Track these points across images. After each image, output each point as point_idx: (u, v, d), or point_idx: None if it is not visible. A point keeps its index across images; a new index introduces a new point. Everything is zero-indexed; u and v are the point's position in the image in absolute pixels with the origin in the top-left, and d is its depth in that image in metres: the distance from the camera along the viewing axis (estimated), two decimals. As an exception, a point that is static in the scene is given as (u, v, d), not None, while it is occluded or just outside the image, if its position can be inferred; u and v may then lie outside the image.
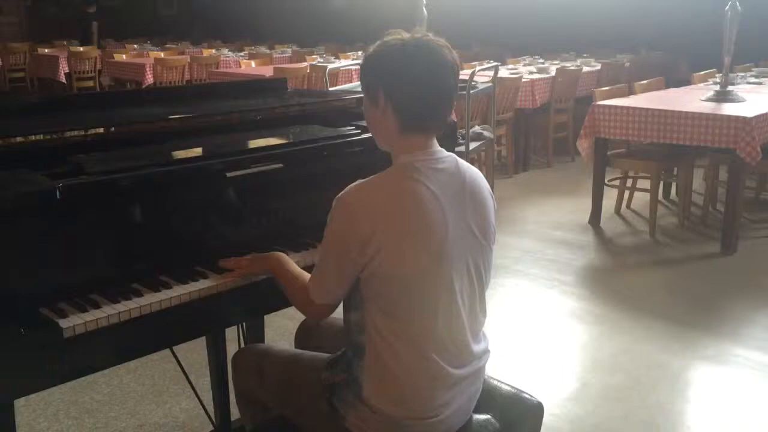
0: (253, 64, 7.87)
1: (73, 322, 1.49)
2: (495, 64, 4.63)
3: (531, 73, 6.38)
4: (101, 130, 1.94)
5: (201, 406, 2.29)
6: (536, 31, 8.78)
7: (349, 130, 2.21)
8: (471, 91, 4.01)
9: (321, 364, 1.62)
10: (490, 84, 4.37)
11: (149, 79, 8.31)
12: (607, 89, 4.76)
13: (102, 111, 2.12)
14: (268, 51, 9.86)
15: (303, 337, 1.94)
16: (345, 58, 8.28)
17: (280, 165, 1.97)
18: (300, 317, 2.03)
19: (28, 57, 10.97)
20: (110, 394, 2.72)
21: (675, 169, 4.90)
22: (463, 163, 1.56)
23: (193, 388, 2.27)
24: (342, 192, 1.46)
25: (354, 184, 1.47)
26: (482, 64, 5.33)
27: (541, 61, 7.20)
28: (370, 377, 1.48)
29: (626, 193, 5.00)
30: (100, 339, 1.54)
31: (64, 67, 9.80)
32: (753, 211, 4.87)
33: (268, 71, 6.78)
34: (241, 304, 1.77)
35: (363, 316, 1.49)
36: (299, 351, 1.78)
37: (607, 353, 3.05)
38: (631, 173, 4.86)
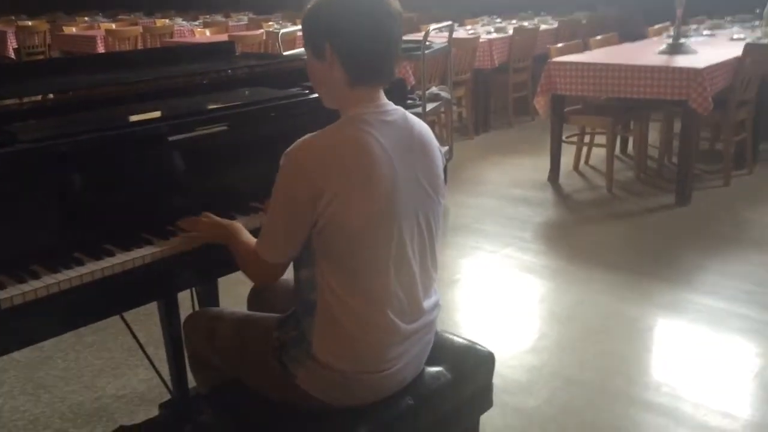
0: (207, 32, 7.70)
1: (11, 293, 1.46)
2: (449, 23, 4.58)
3: (489, 33, 6.35)
4: (39, 97, 1.89)
5: (158, 376, 2.28)
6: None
7: (298, 91, 2.19)
8: (426, 52, 3.97)
9: (272, 324, 1.61)
10: (445, 44, 4.33)
11: (101, 50, 8.08)
12: (562, 46, 4.76)
13: (43, 78, 2.06)
14: (223, 19, 9.65)
15: (255, 299, 1.93)
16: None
17: (225, 127, 1.94)
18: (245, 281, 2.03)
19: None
20: (66, 369, 2.69)
21: (631, 123, 4.94)
22: (412, 117, 1.55)
23: (148, 357, 2.25)
24: (290, 147, 1.44)
25: (302, 138, 1.45)
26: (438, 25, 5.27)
27: (499, 20, 7.18)
28: (320, 333, 1.48)
29: (584, 150, 5.04)
30: (42, 309, 1.52)
31: (12, 42, 9.49)
32: (708, 162, 4.95)
33: (223, 39, 6.65)
34: (189, 269, 1.75)
35: (314, 273, 1.48)
36: (251, 312, 1.77)
37: (564, 305, 3.10)
38: (588, 129, 4.89)
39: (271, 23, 8.18)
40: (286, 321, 1.58)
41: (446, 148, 4.58)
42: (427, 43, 4.20)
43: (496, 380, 1.79)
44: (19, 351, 1.62)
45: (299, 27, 5.51)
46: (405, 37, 5.13)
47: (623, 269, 3.42)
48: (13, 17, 11.34)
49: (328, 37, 1.44)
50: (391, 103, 1.51)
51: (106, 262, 1.61)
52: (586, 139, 4.98)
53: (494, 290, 3.28)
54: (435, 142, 1.57)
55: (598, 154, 4.96)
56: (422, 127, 1.55)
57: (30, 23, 9.90)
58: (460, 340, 1.78)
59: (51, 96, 1.85)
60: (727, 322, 2.89)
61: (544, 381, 2.52)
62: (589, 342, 2.77)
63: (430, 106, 4.22)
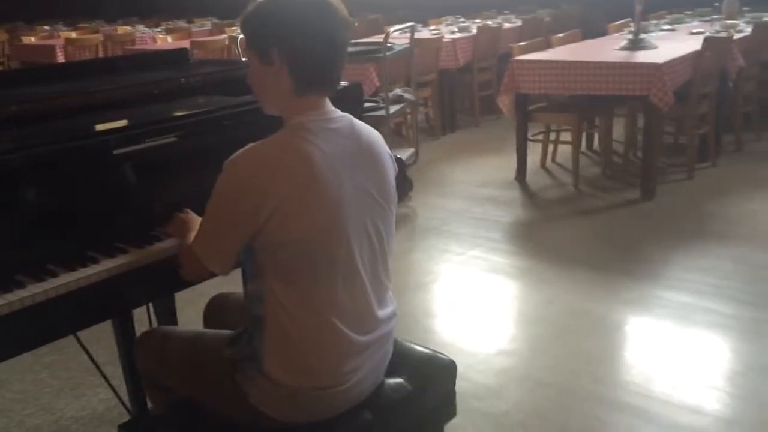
0: (169, 39, 7.59)
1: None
2: (410, 24, 4.55)
3: (452, 32, 6.34)
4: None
5: (116, 396, 2.21)
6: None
7: (253, 97, 2.13)
8: (388, 54, 3.93)
9: (223, 342, 1.56)
10: (408, 45, 4.30)
11: (60, 59, 7.92)
12: (525, 44, 4.76)
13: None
14: (186, 25, 9.53)
15: (210, 316, 1.88)
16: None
17: (174, 138, 1.89)
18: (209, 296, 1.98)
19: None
20: (23, 391, 2.60)
21: (596, 119, 4.96)
22: (360, 124, 1.51)
23: (105, 377, 2.18)
24: (232, 155, 1.40)
25: (245, 147, 1.40)
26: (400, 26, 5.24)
27: (462, 20, 7.17)
28: (271, 350, 1.43)
29: (551, 147, 5.05)
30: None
31: (-31, 54, 9.27)
32: (672, 156, 4.98)
33: (185, 45, 6.55)
34: (139, 285, 1.69)
35: (261, 286, 1.43)
36: (202, 330, 1.72)
37: (533, 306, 3.09)
38: (553, 127, 4.90)
39: (234, 28, 8.08)
40: (238, 338, 1.53)
41: (412, 150, 4.56)
42: (390, 44, 4.16)
43: (465, 385, 1.77)
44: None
45: None
46: (368, 39, 5.11)
47: (591, 266, 3.41)
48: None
49: (277, 41, 1.39)
50: (337, 110, 1.47)
51: (49, 284, 1.54)
52: (552, 136, 4.98)
53: (463, 293, 3.26)
54: (384, 150, 1.53)
55: (565, 151, 4.97)
56: (371, 134, 1.51)
57: (-13, 34, 9.69)
58: (420, 350, 1.74)
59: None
60: (693, 316, 2.89)
61: (513, 384, 2.50)
62: (558, 342, 2.76)
63: (394, 108, 4.18)
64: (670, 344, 2.71)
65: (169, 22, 10.00)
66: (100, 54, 8.00)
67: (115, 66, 2.37)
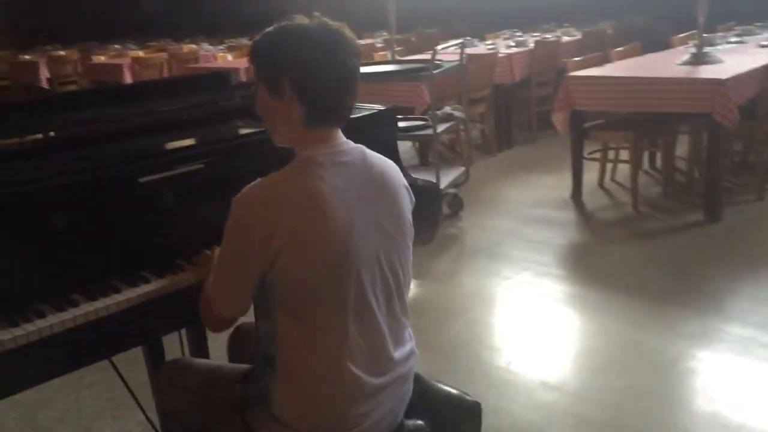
0: (229, 57, 7.74)
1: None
2: (460, 41, 4.47)
3: (509, 47, 6.22)
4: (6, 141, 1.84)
5: (147, 421, 2.21)
6: (517, 4, 8.59)
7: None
8: (436, 72, 3.87)
9: (237, 378, 1.52)
10: (458, 62, 4.23)
11: (127, 79, 8.19)
12: (581, 59, 4.61)
13: (15, 120, 2.01)
14: (248, 42, 9.71)
15: (234, 345, 1.85)
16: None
17: (200, 165, 1.88)
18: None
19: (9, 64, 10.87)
20: (65, 411, 2.64)
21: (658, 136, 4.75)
22: (373, 156, 1.45)
23: (138, 402, 2.18)
24: (240, 192, 1.36)
25: (253, 183, 1.37)
26: (447, 42, 5.17)
27: (519, 34, 7.03)
28: (281, 391, 1.38)
29: (609, 165, 4.86)
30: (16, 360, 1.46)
31: (45, 73, 9.69)
32: (740, 175, 4.72)
33: (243, 63, 6.66)
34: (157, 317, 1.68)
35: (273, 325, 1.39)
36: (219, 364, 1.68)
37: (581, 335, 2.94)
38: (611, 144, 4.72)
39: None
40: (250, 375, 1.49)
41: (462, 169, 4.46)
42: (438, 62, 4.09)
43: (505, 420, 1.66)
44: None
45: None
46: (417, 56, 5.05)
47: (647, 295, 3.24)
48: (48, 47, 11.63)
49: (287, 73, 1.35)
50: (349, 142, 1.42)
51: (69, 314, 1.55)
52: (611, 154, 4.80)
53: (507, 320, 3.14)
54: (399, 181, 1.47)
55: (625, 169, 4.77)
56: (384, 166, 1.45)
57: (63, 53, 10.12)
58: (444, 389, 1.66)
59: (19, 139, 1.79)
60: (757, 352, 2.69)
61: (556, 420, 2.37)
62: (607, 377, 2.61)
63: (442, 127, 4.10)
64: (729, 383, 2.53)
65: (233, 40, 10.21)
66: (165, 72, 8.24)
67: (151, 91, 2.38)
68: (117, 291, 1.65)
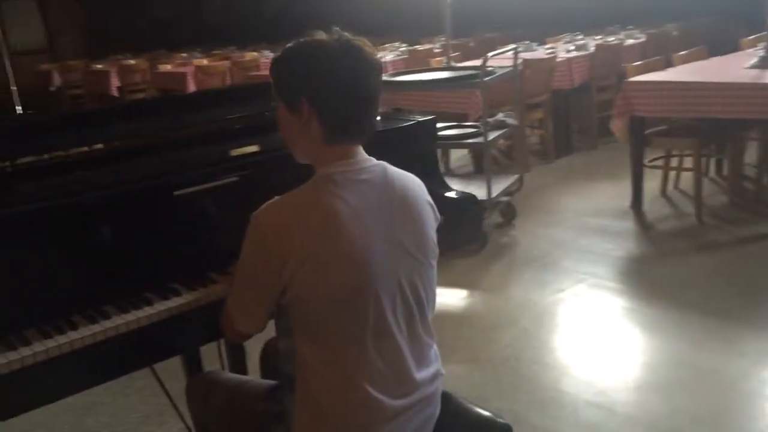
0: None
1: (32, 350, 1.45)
2: (513, 47, 4.38)
3: (568, 51, 6.07)
4: (46, 156, 1.88)
5: (188, 430, 2.22)
6: (579, 6, 8.38)
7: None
8: (488, 78, 3.79)
9: (261, 395, 1.51)
10: (510, 68, 4.14)
11: (191, 87, 8.41)
12: (641, 63, 4.44)
13: (56, 134, 2.06)
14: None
15: (266, 358, 1.84)
16: (383, 51, 8.14)
17: (235, 178, 1.88)
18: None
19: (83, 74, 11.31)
20: (113, 414, 2.70)
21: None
22: (394, 172, 1.41)
23: (177, 410, 2.20)
24: (257, 210, 1.35)
25: (270, 200, 1.35)
26: (504, 47, 5.06)
27: (580, 37, 6.85)
28: (300, 412, 1.36)
29: (673, 173, 4.67)
30: (32, 376, 1.49)
31: (115, 81, 10.04)
32: (815, 184, 4.45)
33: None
34: (189, 329, 1.69)
35: (292, 345, 1.37)
36: (247, 379, 1.68)
37: (634, 353, 2.82)
38: (674, 151, 4.53)
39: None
40: (273, 393, 1.48)
41: (516, 176, 4.36)
42: (491, 68, 4.01)
43: None
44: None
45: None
46: (474, 62, 4.97)
47: (708, 311, 3.07)
48: (120, 56, 12.06)
49: (306, 91, 1.34)
50: (371, 159, 1.39)
51: (100, 326, 1.57)
52: (675, 162, 4.61)
53: (557, 335, 3.04)
54: (422, 198, 1.43)
55: (690, 177, 4.57)
56: (407, 182, 1.41)
57: (132, 62, 10.48)
58: (475, 411, 1.60)
59: (47, 156, 1.83)
60: (825, 375, 2.52)
61: (602, 443, 2.28)
62: (659, 397, 2.49)
63: (494, 134, 4.02)
64: (794, 408, 2.37)
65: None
66: (227, 80, 8.41)
67: (195, 102, 2.40)
68: (149, 303, 1.67)
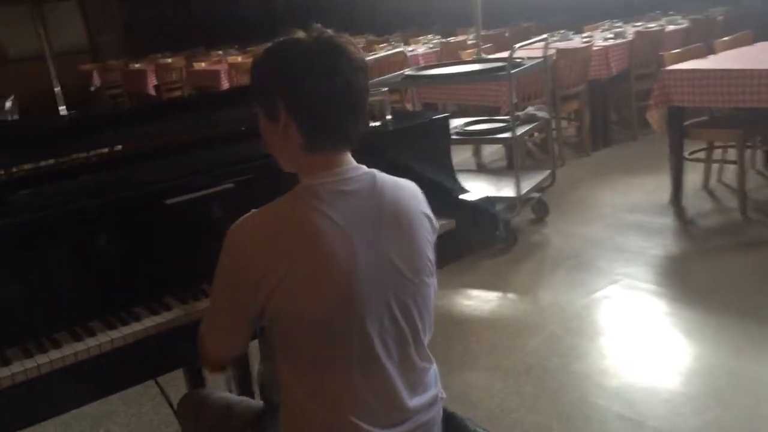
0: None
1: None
2: (543, 37, 4.20)
3: (606, 39, 5.83)
4: (41, 162, 1.82)
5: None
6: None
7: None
8: (513, 71, 3.63)
9: (251, 419, 1.42)
10: (540, 59, 3.96)
11: (224, 84, 8.41)
12: (679, 51, 4.21)
13: (54, 140, 2.01)
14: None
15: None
16: (416, 44, 7.99)
17: (231, 185, 1.80)
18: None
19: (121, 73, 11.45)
20: (127, 424, 2.66)
21: (772, 133, 4.27)
22: (385, 181, 1.30)
23: (179, 421, 2.14)
24: (234, 224, 1.25)
25: (247, 215, 1.25)
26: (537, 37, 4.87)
27: (619, 24, 6.58)
28: (285, 441, 1.26)
29: (715, 166, 4.43)
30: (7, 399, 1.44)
31: (152, 80, 10.13)
32: None
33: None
34: (181, 345, 1.61)
35: (275, 371, 1.27)
36: (235, 400, 1.59)
37: (671, 361, 2.64)
38: (717, 143, 4.29)
39: (383, 45, 8.10)
40: (260, 419, 1.38)
41: (547, 172, 4.19)
42: (519, 59, 3.85)
43: None
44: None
45: (381, 53, 5.31)
46: (499, 55, 4.80)
47: (749, 316, 2.87)
48: (158, 55, 12.17)
49: (282, 95, 1.23)
50: (359, 167, 1.28)
51: (83, 344, 1.51)
52: (717, 154, 4.37)
53: (589, 340, 2.87)
54: (417, 210, 1.31)
55: (733, 170, 4.32)
56: (399, 192, 1.29)
57: (169, 61, 10.55)
58: (479, 433, 1.48)
59: (43, 162, 1.77)
60: None
61: (630, 460, 2.13)
62: (696, 410, 2.32)
63: (523, 129, 3.86)
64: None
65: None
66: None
67: (189, 105, 2.30)
68: (137, 319, 1.60)
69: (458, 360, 2.79)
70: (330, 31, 1.27)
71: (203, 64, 9.52)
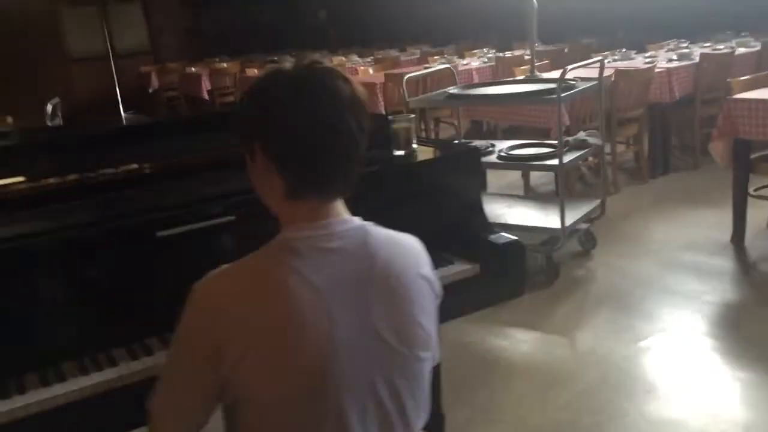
0: (371, 70, 7.63)
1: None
2: (598, 59, 3.93)
3: (670, 60, 5.50)
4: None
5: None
6: (687, 10, 7.67)
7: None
8: (564, 95, 3.39)
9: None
10: (594, 83, 3.70)
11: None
12: (749, 78, 3.88)
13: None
14: (397, 54, 9.59)
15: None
16: (471, 57, 7.79)
17: (232, 218, 1.65)
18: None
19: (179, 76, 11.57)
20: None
21: None
22: (379, 238, 1.12)
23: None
24: (200, 280, 1.09)
25: (215, 270, 1.09)
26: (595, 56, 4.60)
27: (685, 45, 6.22)
28: None
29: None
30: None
31: (206, 85, 10.18)
32: None
33: (381, 78, 6.48)
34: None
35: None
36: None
37: (722, 427, 2.36)
38: (787, 179, 3.94)
39: (437, 57, 7.91)
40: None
41: (597, 201, 3.92)
42: (572, 81, 3.61)
43: None
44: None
45: (425, 71, 5.07)
46: (554, 73, 4.55)
47: (815, 379, 2.57)
48: (216, 59, 12.27)
49: (258, 136, 1.08)
50: (349, 220, 1.11)
51: (49, 392, 1.37)
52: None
53: (630, 396, 2.59)
54: (414, 272, 1.13)
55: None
56: (395, 251, 1.11)
57: (225, 65, 10.61)
58: None
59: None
60: None
61: None
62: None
63: (572, 156, 3.61)
64: None
65: (381, 52, 10.14)
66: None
67: (188, 128, 2.14)
68: (114, 364, 1.47)
69: (481, 408, 2.56)
70: (320, 62, 1.11)
71: (255, 70, 9.51)
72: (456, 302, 1.77)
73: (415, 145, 1.97)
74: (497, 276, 1.80)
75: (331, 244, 1.07)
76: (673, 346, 2.91)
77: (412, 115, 2.02)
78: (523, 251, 1.84)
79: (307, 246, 1.06)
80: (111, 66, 12.85)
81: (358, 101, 1.08)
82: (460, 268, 1.75)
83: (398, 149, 1.95)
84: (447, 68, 4.42)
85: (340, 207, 1.12)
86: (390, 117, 1.96)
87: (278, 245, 1.08)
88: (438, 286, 1.17)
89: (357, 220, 1.12)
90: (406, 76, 3.84)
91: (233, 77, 10.11)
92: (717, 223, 4.15)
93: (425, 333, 1.12)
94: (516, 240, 1.84)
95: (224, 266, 1.09)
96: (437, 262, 1.78)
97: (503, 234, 1.92)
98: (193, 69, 11.12)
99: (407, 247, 1.15)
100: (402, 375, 1.09)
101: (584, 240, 3.93)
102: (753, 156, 3.73)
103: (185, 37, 14.54)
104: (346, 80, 1.08)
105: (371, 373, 1.06)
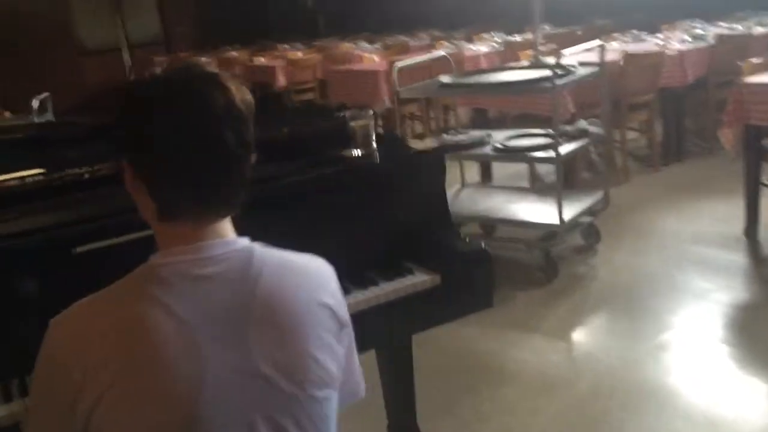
0: (375, 57, 7.44)
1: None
2: (598, 44, 3.70)
3: (683, 41, 5.25)
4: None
5: None
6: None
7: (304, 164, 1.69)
8: (563, 82, 3.19)
9: None
10: (595, 69, 3.49)
11: (281, 81, 8.22)
12: (760, 61, 3.65)
13: None
14: (405, 39, 9.37)
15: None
16: (480, 42, 7.56)
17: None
18: None
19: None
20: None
21: None
22: (266, 262, 0.99)
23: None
24: (58, 316, 0.96)
25: (76, 304, 0.96)
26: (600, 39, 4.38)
27: (699, 26, 5.94)
28: None
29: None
30: None
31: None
32: None
33: (384, 66, 6.29)
34: None
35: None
36: None
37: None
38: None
39: (444, 43, 7.69)
40: None
41: (600, 193, 3.72)
42: (571, 67, 3.41)
43: None
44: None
45: (417, 59, 4.79)
46: (552, 59, 4.33)
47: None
48: (228, 48, 12.06)
49: (127, 152, 0.97)
50: (231, 242, 0.98)
51: None
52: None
53: (622, 410, 2.42)
54: (310, 299, 1.00)
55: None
56: (285, 278, 0.99)
57: (235, 54, 10.48)
58: None
59: None
60: None
61: None
62: None
63: (570, 147, 3.41)
64: None
65: (391, 38, 9.92)
66: (317, 74, 8.13)
67: None
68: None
69: (465, 419, 2.41)
70: (201, 67, 0.97)
71: (263, 60, 9.35)
72: (408, 318, 1.62)
73: (374, 145, 1.81)
74: (459, 288, 1.64)
75: (204, 270, 0.94)
76: (677, 350, 2.73)
77: (371, 111, 1.85)
78: (488, 260, 1.67)
79: (175, 273, 0.94)
80: (124, 57, 12.83)
81: (238, 112, 0.94)
82: (415, 280, 1.60)
83: (356, 148, 1.79)
84: (443, 56, 4.21)
85: (224, 227, 0.99)
86: (345, 113, 1.80)
87: (142, 273, 0.96)
88: (343, 314, 1.03)
89: (243, 242, 0.99)
90: (398, 64, 3.66)
91: (243, 66, 9.98)
92: (729, 214, 3.92)
93: (322, 369, 0.98)
94: (481, 248, 1.68)
95: (84, 300, 0.97)
96: (394, 273, 1.64)
97: (473, 240, 1.76)
98: (202, 58, 10.99)
99: (305, 272, 1.01)
100: (292, 417, 0.96)
101: (587, 234, 3.74)
102: (766, 142, 3.50)
103: (197, 26, 14.43)
104: (225, 88, 0.94)
105: (250, 415, 0.93)
